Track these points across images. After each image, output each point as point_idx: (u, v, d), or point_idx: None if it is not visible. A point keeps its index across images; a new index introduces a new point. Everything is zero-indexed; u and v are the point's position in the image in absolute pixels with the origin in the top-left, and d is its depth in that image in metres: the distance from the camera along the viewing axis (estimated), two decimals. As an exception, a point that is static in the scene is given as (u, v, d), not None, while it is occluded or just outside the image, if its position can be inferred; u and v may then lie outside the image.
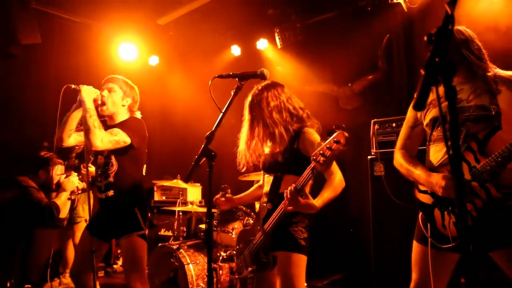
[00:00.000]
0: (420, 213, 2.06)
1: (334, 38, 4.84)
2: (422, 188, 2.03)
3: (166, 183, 4.73)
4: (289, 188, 1.99)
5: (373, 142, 3.56)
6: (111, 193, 2.71)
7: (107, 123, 2.80)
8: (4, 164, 4.07)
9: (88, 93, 2.62)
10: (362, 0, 4.51)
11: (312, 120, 2.36)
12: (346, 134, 1.82)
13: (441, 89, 0.99)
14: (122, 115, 2.81)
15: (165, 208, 5.13)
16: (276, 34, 5.22)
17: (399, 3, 4.26)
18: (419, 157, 2.12)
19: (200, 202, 4.83)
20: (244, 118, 2.43)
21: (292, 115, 2.31)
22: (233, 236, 3.81)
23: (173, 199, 5.30)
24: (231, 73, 2.07)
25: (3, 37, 4.46)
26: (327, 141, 1.84)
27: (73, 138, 2.76)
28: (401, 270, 2.35)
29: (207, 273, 1.91)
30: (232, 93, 2.01)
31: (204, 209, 4.34)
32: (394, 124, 3.47)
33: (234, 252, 3.82)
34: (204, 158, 1.88)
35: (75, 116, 2.73)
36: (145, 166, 2.87)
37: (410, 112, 2.17)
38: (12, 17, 4.45)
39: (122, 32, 5.82)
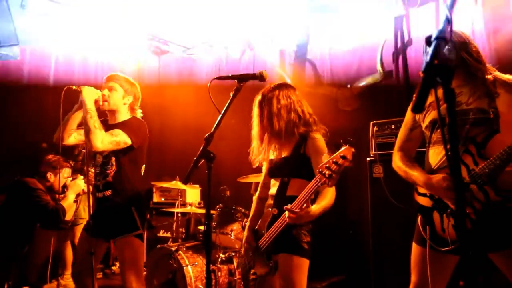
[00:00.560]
0: (419, 216, 2.06)
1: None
2: (421, 190, 2.02)
3: (165, 185, 4.73)
4: (292, 207, 2.00)
5: (372, 144, 3.54)
6: (108, 192, 2.70)
7: (108, 121, 2.80)
8: (6, 165, 4.07)
9: (89, 94, 2.63)
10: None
11: (319, 125, 2.37)
12: (353, 150, 1.82)
13: (441, 92, 0.98)
14: (123, 114, 2.81)
15: (164, 209, 5.12)
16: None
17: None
18: (417, 159, 2.12)
19: (199, 203, 4.80)
20: (254, 116, 2.45)
21: (300, 117, 2.32)
22: (232, 237, 3.81)
23: (172, 201, 5.27)
24: (230, 75, 2.07)
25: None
26: (333, 155, 1.84)
27: (73, 137, 2.77)
28: (400, 272, 2.34)
29: (205, 275, 1.90)
30: (231, 95, 2.01)
31: (203, 211, 4.32)
32: (393, 126, 3.45)
33: (234, 253, 3.83)
34: (203, 160, 1.88)
35: (76, 117, 2.74)
36: (143, 166, 2.87)
37: (409, 114, 2.17)
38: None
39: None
